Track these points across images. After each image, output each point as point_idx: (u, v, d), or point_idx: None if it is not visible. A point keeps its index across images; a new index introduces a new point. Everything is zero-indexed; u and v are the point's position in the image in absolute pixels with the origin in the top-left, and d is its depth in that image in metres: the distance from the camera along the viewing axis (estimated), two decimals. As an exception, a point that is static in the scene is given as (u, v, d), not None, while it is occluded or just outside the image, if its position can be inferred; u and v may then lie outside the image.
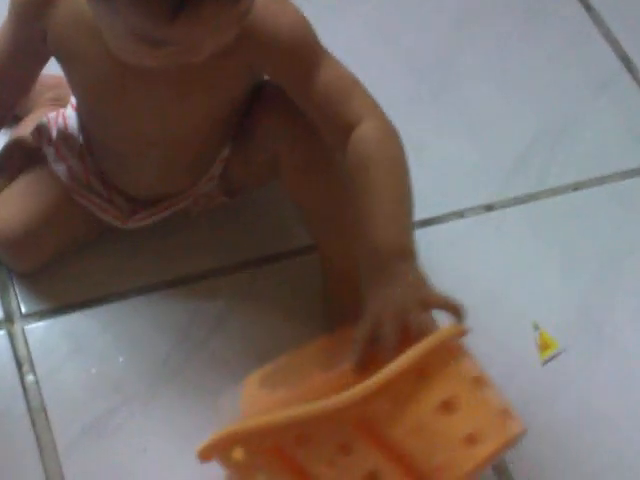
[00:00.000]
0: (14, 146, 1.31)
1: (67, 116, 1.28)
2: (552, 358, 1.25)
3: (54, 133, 1.27)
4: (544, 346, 1.26)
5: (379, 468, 0.94)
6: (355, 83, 1.13)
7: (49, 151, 1.27)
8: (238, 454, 0.99)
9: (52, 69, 1.25)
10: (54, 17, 1.12)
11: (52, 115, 1.29)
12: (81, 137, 1.26)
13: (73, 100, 1.27)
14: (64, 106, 1.30)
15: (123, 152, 1.22)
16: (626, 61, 1.56)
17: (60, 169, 1.26)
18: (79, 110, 1.25)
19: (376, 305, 1.01)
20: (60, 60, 1.17)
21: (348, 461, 0.95)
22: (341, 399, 0.93)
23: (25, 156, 1.29)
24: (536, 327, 1.27)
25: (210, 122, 1.18)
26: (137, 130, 1.18)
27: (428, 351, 0.94)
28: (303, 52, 1.11)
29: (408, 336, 0.97)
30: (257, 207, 1.36)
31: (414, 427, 0.93)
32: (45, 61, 1.19)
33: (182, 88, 1.12)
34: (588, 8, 1.62)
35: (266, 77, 1.17)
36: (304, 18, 1.12)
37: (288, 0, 1.12)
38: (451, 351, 0.97)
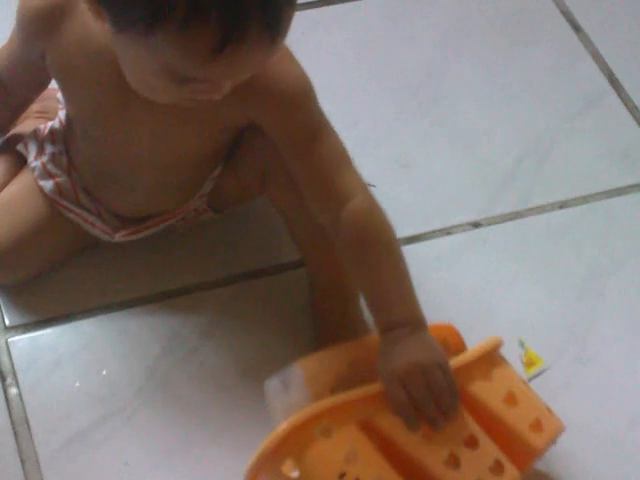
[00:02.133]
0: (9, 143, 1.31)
1: (55, 131, 1.27)
2: (537, 375, 1.25)
3: (42, 147, 1.27)
4: (529, 363, 1.26)
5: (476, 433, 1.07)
6: (346, 156, 1.14)
7: (36, 166, 1.27)
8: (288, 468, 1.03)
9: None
10: (57, 40, 1.12)
11: (40, 128, 1.29)
12: (67, 155, 1.26)
13: (61, 115, 1.27)
14: (51, 119, 1.30)
15: (115, 174, 1.22)
16: (613, 80, 1.57)
17: (47, 185, 1.26)
18: (71, 128, 1.25)
19: (399, 367, 1.04)
20: (60, 81, 1.17)
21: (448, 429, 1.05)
22: None
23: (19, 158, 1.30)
24: (521, 344, 1.27)
25: (205, 149, 1.19)
26: (133, 153, 1.18)
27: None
28: (301, 116, 1.12)
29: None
30: (243, 222, 1.36)
31: (505, 397, 1.10)
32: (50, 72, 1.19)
33: (182, 118, 1.12)
34: (576, 28, 1.63)
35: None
36: (308, 82, 1.12)
37: (296, 61, 1.12)
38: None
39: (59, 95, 1.29)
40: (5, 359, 1.23)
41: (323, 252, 1.24)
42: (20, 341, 1.24)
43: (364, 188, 1.12)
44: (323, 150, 1.12)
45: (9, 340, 1.24)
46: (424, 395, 1.03)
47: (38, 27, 1.12)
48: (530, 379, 1.25)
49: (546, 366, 1.26)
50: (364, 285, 1.11)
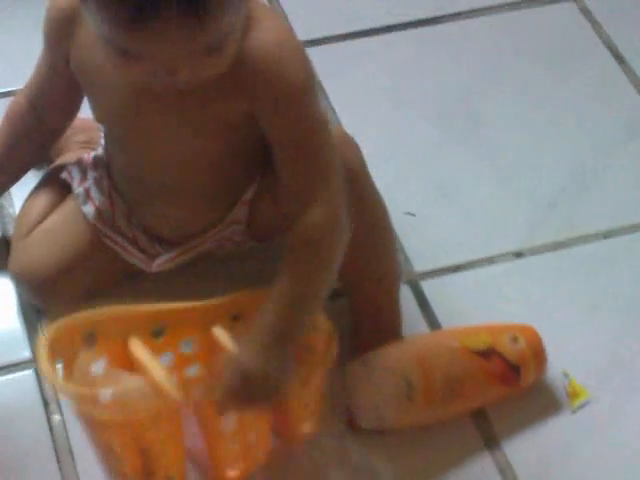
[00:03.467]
0: (55, 173, 1.33)
1: (98, 157, 1.29)
2: (582, 406, 1.24)
3: (85, 174, 1.28)
4: (574, 394, 1.24)
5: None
6: (330, 168, 1.12)
7: (79, 192, 1.28)
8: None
9: (82, 113, 1.27)
10: (76, 39, 1.15)
11: (84, 157, 1.30)
12: (108, 178, 1.27)
13: (103, 143, 1.28)
14: (94, 149, 1.32)
15: (145, 180, 1.22)
16: (655, 109, 1.56)
17: (89, 211, 1.27)
18: (104, 138, 1.26)
19: (248, 363, 1.08)
20: (81, 83, 1.19)
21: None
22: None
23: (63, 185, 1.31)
24: (566, 375, 1.26)
25: (220, 156, 1.18)
26: (155, 155, 1.18)
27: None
28: (296, 117, 1.10)
29: None
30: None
31: None
32: (80, 85, 1.20)
33: (188, 117, 1.13)
34: (619, 58, 1.62)
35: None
36: (309, 81, 1.11)
37: (302, 57, 1.11)
38: None
39: (101, 125, 1.30)
40: (48, 386, 1.23)
41: (364, 283, 1.24)
42: (63, 368, 1.25)
43: (332, 205, 1.11)
44: (309, 159, 1.11)
45: (53, 367, 1.25)
46: (245, 395, 1.08)
47: (61, 29, 1.15)
48: (575, 410, 1.24)
49: (591, 397, 1.25)
50: (275, 282, 1.11)
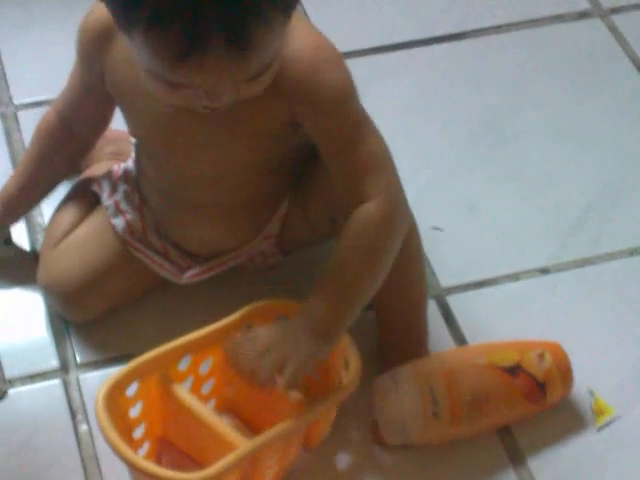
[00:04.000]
0: (84, 183, 1.33)
1: (128, 170, 1.29)
2: (607, 424, 1.24)
3: (115, 187, 1.29)
4: (599, 412, 1.24)
5: None
6: (380, 158, 1.13)
7: (109, 204, 1.28)
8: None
9: (112, 123, 1.27)
10: (111, 58, 1.15)
11: (114, 168, 1.31)
12: (138, 192, 1.28)
13: (134, 155, 1.29)
14: (124, 160, 1.32)
15: (180, 197, 1.23)
16: (682, 125, 1.56)
17: (118, 223, 1.27)
18: (136, 153, 1.27)
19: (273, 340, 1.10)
20: (117, 98, 1.19)
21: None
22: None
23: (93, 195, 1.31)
24: (591, 392, 1.26)
25: (259, 170, 1.19)
26: (192, 170, 1.19)
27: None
28: (343, 118, 1.12)
29: None
30: (311, 264, 1.36)
31: None
32: (113, 100, 1.21)
33: (228, 130, 1.13)
34: (643, 72, 1.63)
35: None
36: (349, 81, 1.12)
37: (339, 59, 1.12)
38: None
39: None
40: (76, 396, 1.24)
41: (393, 296, 1.24)
42: (91, 378, 1.26)
43: (388, 193, 1.11)
44: (359, 152, 1.12)
45: (80, 377, 1.26)
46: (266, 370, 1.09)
47: (96, 45, 1.16)
48: (600, 428, 1.24)
49: (616, 415, 1.24)
50: (330, 269, 1.11)
